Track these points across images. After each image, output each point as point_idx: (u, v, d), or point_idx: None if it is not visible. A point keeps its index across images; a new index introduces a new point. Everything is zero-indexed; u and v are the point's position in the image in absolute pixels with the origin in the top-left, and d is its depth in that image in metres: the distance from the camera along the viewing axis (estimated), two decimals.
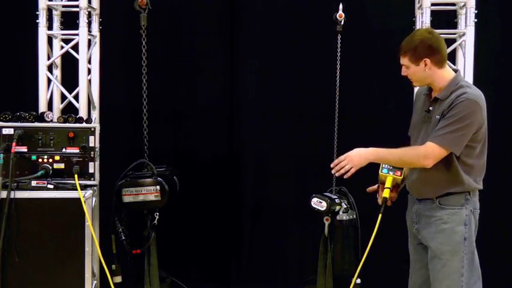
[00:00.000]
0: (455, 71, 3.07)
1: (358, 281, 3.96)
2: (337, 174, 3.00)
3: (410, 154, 3.00)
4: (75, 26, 4.00)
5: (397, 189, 3.20)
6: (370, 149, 3.01)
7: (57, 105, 4.33)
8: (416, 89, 4.09)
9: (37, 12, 4.03)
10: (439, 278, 3.00)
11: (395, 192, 3.19)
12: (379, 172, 3.15)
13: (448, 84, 3.01)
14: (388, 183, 3.12)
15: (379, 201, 3.17)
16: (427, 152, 2.92)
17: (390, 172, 3.13)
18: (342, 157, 3.01)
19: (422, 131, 3.09)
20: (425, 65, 2.99)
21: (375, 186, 3.26)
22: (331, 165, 3.03)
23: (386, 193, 3.11)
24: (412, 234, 3.21)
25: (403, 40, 3.09)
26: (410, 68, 3.04)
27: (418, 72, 3.03)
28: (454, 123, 2.89)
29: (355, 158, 2.98)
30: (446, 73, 3.03)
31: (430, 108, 3.06)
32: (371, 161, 3.00)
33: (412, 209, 3.16)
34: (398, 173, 3.11)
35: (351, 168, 2.96)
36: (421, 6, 4.00)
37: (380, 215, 3.06)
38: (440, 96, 3.01)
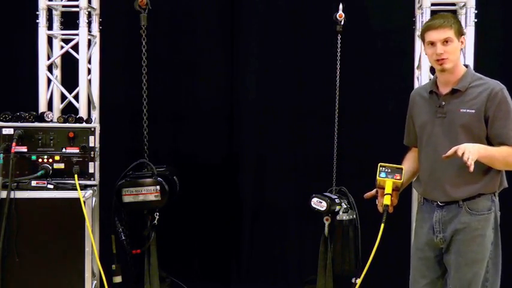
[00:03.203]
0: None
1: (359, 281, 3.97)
2: (468, 164, 2.65)
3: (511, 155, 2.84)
4: (75, 26, 4.00)
5: (397, 193, 3.01)
6: (476, 145, 2.78)
7: (57, 105, 4.32)
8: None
9: (37, 12, 4.03)
10: (464, 285, 2.88)
11: (395, 197, 2.99)
12: (377, 177, 2.97)
13: (465, 73, 2.93)
14: (388, 189, 2.92)
15: (380, 208, 2.98)
16: None
17: (389, 176, 2.93)
18: (460, 150, 2.70)
19: (436, 127, 2.95)
20: (462, 43, 2.92)
21: (373, 192, 3.07)
22: (449, 153, 2.74)
23: (387, 200, 2.90)
24: (428, 246, 3.02)
25: (433, 18, 2.99)
26: (453, 43, 2.88)
27: (457, 49, 2.90)
28: (510, 118, 2.84)
29: (472, 150, 2.70)
30: (460, 61, 2.98)
31: (443, 102, 2.93)
32: (481, 155, 2.75)
33: (433, 217, 2.96)
34: (398, 176, 2.93)
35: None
36: (421, 6, 4.00)
37: (382, 225, 2.88)
38: (460, 87, 2.90)
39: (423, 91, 3.10)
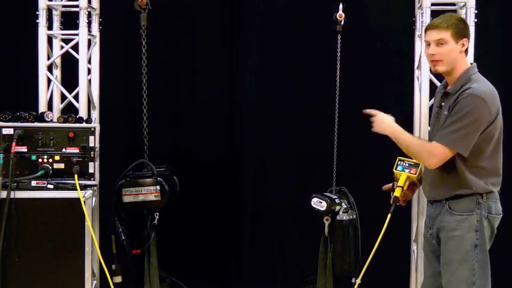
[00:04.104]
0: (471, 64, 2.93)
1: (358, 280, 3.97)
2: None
3: (416, 147, 2.86)
4: (75, 26, 4.00)
5: (413, 188, 3.07)
6: (393, 124, 2.98)
7: (57, 105, 4.33)
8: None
9: (37, 12, 4.03)
10: (446, 283, 2.88)
11: (411, 191, 3.07)
12: (394, 170, 3.04)
13: (459, 76, 2.87)
14: (401, 182, 2.99)
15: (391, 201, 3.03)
16: (431, 151, 2.78)
17: (405, 170, 3.00)
18: (375, 114, 3.06)
19: (434, 126, 2.99)
20: (463, 45, 2.84)
21: (390, 185, 3.13)
22: (365, 111, 3.09)
23: (397, 192, 2.97)
24: (426, 240, 3.09)
25: (438, 17, 2.92)
26: (448, 45, 2.81)
27: (453, 52, 2.83)
28: (457, 121, 2.74)
29: (380, 122, 3.01)
30: (464, 64, 2.90)
31: (442, 103, 2.93)
32: (388, 134, 2.96)
33: (426, 213, 3.05)
34: (413, 170, 2.97)
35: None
36: (421, 6, 3.99)
37: (389, 215, 2.94)
38: (450, 90, 2.88)
39: (441, 87, 3.09)
